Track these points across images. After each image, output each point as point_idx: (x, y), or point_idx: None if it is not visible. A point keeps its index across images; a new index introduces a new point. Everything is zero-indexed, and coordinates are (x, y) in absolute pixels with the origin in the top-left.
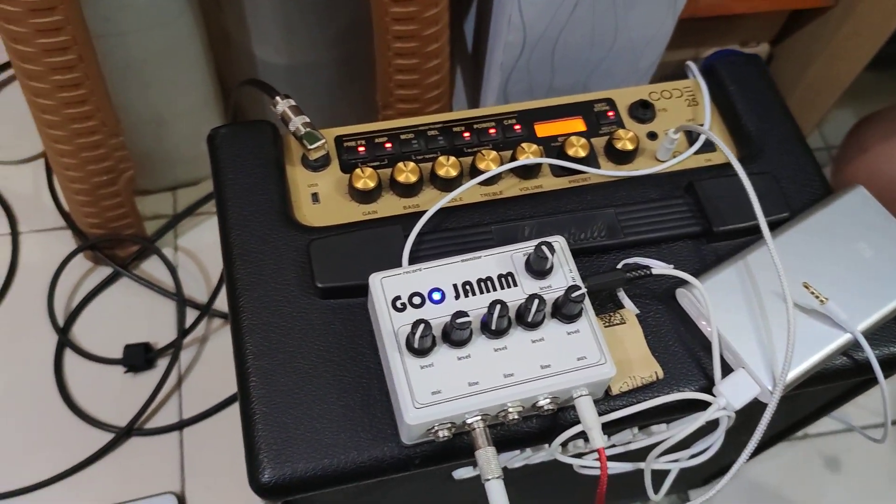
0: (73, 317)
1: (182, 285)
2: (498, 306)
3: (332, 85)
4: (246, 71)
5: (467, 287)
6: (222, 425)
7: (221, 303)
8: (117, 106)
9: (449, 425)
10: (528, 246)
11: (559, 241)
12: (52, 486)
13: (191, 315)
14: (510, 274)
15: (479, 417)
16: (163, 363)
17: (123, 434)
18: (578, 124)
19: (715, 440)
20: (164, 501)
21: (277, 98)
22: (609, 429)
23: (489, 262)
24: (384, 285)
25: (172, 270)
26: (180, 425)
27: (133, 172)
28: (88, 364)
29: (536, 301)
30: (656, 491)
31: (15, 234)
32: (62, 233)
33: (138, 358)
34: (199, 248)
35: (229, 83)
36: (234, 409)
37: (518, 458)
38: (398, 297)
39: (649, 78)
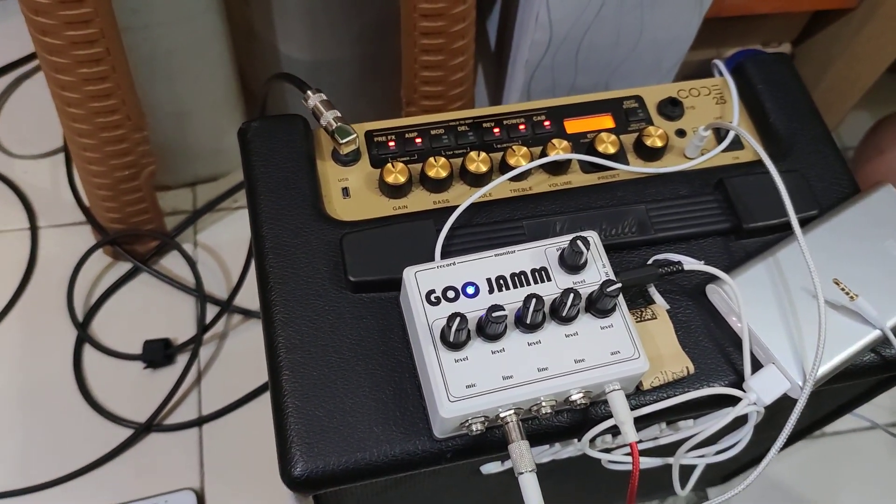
0: (92, 312)
1: (202, 281)
2: (534, 300)
3: (353, 82)
4: (269, 66)
5: (501, 281)
6: (242, 421)
7: (241, 299)
8: (141, 99)
9: (482, 419)
10: (562, 241)
11: (593, 236)
12: (71, 481)
13: (211, 311)
14: (544, 269)
15: (513, 411)
16: (182, 359)
17: (143, 430)
18: (608, 121)
19: (743, 435)
20: (183, 497)
21: (309, 92)
22: (639, 423)
23: (523, 256)
24: (418, 279)
25: (192, 266)
26: (199, 421)
27: (155, 167)
28: (107, 360)
29: (572, 295)
30: (682, 486)
31: (34, 229)
32: (81, 228)
33: (157, 353)
34: (219, 245)
35: (251, 79)
36: (254, 405)
37: (546, 454)
38: (432, 291)
39: (671, 78)
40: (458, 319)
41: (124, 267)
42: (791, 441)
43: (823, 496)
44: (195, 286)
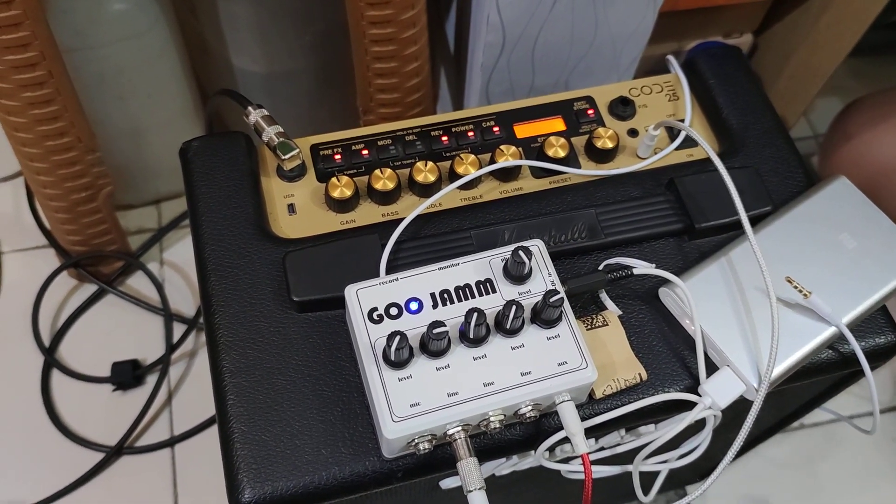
0: (58, 336)
1: (168, 300)
2: (475, 314)
3: (311, 92)
4: (224, 79)
5: (445, 295)
6: (214, 440)
7: None
8: (93, 120)
9: (429, 437)
10: (506, 251)
11: (537, 245)
12: None
13: (178, 329)
14: (489, 280)
15: (460, 428)
16: (152, 379)
17: (114, 453)
18: (558, 124)
19: (702, 440)
20: None
21: (250, 108)
22: (595, 432)
23: (467, 268)
24: (360, 297)
25: (158, 286)
26: (171, 442)
27: (112, 188)
28: (76, 383)
29: (514, 308)
30: (646, 493)
31: None
32: (45, 251)
33: (126, 375)
34: (186, 262)
35: (209, 92)
36: None
37: (505, 466)
38: (374, 309)
39: (632, 74)
40: (397, 338)
41: (90, 289)
42: (765, 436)
43: (803, 488)
44: (161, 305)
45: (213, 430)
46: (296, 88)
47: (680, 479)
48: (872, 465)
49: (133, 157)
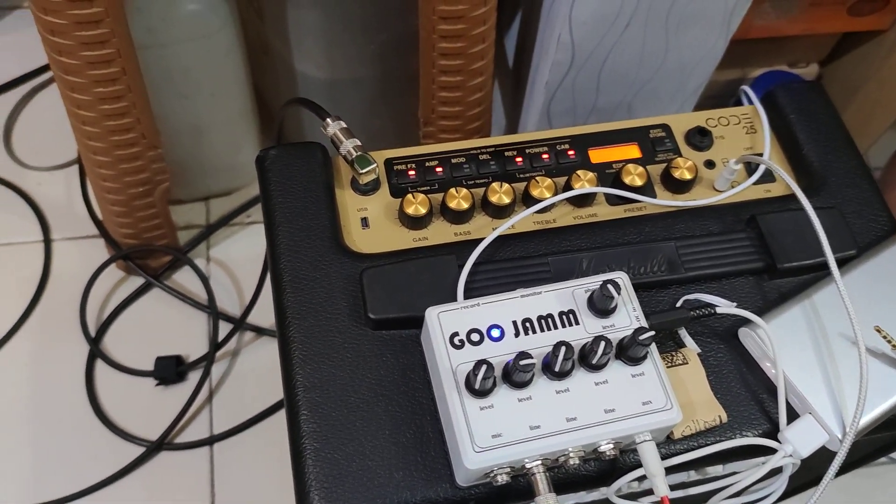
0: (104, 327)
1: (215, 297)
2: (563, 348)
3: (370, 100)
4: (285, 83)
5: (527, 324)
6: (253, 441)
7: (254, 316)
8: (157, 116)
9: (508, 469)
10: (590, 282)
11: (623, 279)
12: (80, 499)
13: (223, 328)
14: (572, 311)
15: (540, 462)
16: (194, 376)
17: (154, 448)
18: (634, 151)
19: (777, 486)
20: None
21: (328, 120)
22: (667, 471)
23: (549, 298)
24: (441, 320)
25: (205, 282)
26: (211, 440)
27: (169, 184)
28: (119, 375)
29: (603, 344)
30: None
31: (48, 242)
32: (95, 241)
33: (169, 370)
34: (232, 260)
35: (266, 94)
36: (266, 424)
37: (572, 498)
38: (456, 334)
39: (696, 99)
40: (484, 367)
41: (137, 282)
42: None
43: None
44: (207, 302)
45: (253, 431)
46: (356, 96)
47: None
48: None
49: (190, 154)
